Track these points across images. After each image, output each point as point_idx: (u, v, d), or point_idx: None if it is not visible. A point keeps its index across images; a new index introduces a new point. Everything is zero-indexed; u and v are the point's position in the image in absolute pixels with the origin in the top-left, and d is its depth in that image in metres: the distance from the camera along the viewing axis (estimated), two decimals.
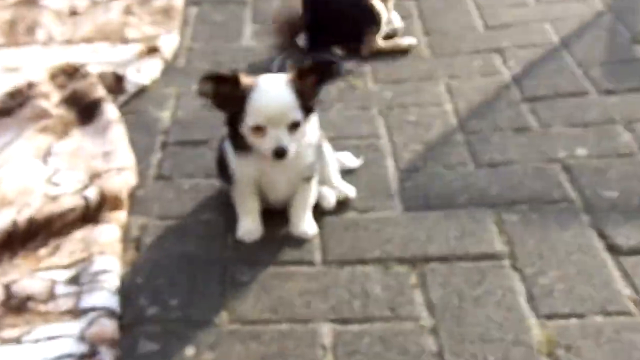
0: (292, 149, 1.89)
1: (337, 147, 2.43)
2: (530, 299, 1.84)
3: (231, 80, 1.87)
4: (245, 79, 1.88)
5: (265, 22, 3.35)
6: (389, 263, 1.99)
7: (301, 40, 3.03)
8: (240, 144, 1.95)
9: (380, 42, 3.06)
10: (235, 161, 2.01)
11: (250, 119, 1.86)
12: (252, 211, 2.08)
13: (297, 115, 1.89)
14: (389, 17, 3.18)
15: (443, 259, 1.99)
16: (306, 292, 1.91)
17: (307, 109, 1.91)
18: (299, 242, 2.08)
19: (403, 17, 3.27)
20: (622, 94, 2.59)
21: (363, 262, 2.00)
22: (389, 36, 3.14)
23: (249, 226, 2.08)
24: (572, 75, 2.76)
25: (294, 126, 1.89)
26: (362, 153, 2.45)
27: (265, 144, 1.88)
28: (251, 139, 1.90)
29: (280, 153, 1.87)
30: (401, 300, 1.87)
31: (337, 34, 3.00)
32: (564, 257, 1.96)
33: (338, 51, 3.01)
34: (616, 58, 2.80)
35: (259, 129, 1.87)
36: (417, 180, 2.30)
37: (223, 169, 2.10)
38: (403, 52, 3.04)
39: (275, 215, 2.17)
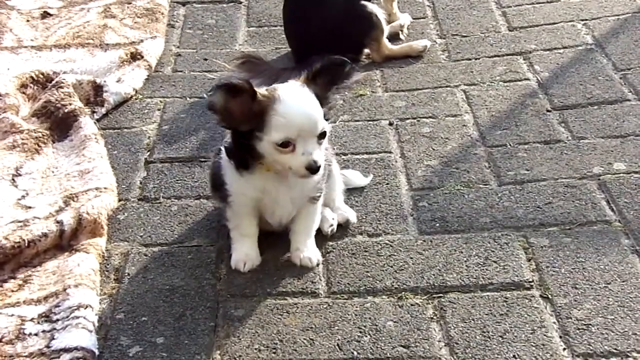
0: (322, 163, 1.89)
1: (343, 164, 2.45)
2: (564, 334, 1.84)
3: (247, 92, 1.85)
4: (262, 90, 1.87)
5: (261, 24, 3.39)
6: (402, 294, 1.99)
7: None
8: (242, 162, 1.95)
9: (390, 45, 3.09)
10: (233, 179, 2.01)
11: (276, 134, 1.83)
12: (249, 235, 2.09)
13: (325, 124, 1.89)
14: (391, 14, 3.21)
15: (464, 288, 1.99)
16: (309, 327, 1.91)
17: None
18: (301, 270, 2.08)
19: (416, 18, 3.31)
20: None
21: (373, 292, 2.00)
22: (395, 34, 3.17)
23: (246, 252, 2.08)
24: (608, 80, 2.77)
25: (321, 137, 1.89)
26: (371, 170, 2.46)
27: (295, 161, 1.86)
28: (274, 157, 1.88)
29: (314, 169, 1.86)
30: (416, 336, 1.86)
31: (330, 47, 3.02)
32: (602, 287, 1.96)
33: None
34: None
35: (286, 144, 1.85)
36: (432, 200, 2.31)
37: (217, 188, 2.11)
38: (417, 56, 3.07)
39: (274, 240, 2.18)
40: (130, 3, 3.52)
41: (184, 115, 2.81)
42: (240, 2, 3.57)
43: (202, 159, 2.56)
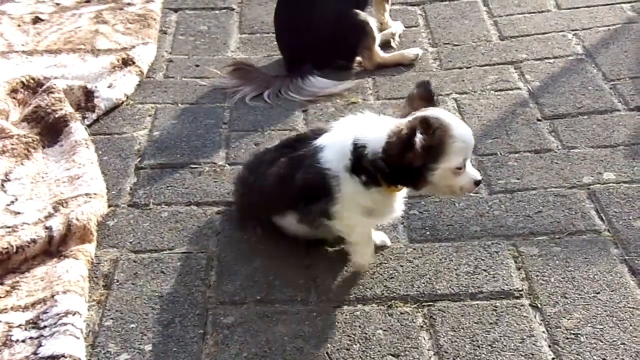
0: None
1: None
2: (554, 344, 1.84)
3: (429, 125, 1.81)
4: (432, 121, 1.83)
5: (254, 31, 3.39)
6: (392, 302, 1.99)
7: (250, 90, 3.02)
8: (375, 181, 1.92)
9: (382, 53, 3.10)
10: (355, 192, 1.94)
11: (456, 159, 1.85)
12: (370, 236, 2.11)
13: None
14: (383, 22, 3.22)
15: (453, 297, 1.99)
16: (298, 335, 1.90)
17: None
18: (291, 278, 2.08)
19: (408, 27, 3.31)
20: None
21: (363, 300, 2.00)
22: (387, 42, 3.18)
23: (370, 252, 2.11)
24: (598, 90, 2.78)
25: None
26: None
27: (465, 179, 1.89)
28: (446, 181, 1.88)
29: (479, 182, 1.93)
30: (406, 345, 1.86)
31: (322, 55, 3.03)
32: (591, 296, 1.96)
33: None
34: None
35: (461, 167, 1.88)
36: (423, 209, 2.31)
37: (313, 198, 2.00)
38: (408, 65, 3.08)
39: (264, 247, 2.18)
40: (122, 9, 3.52)
41: (175, 122, 2.80)
42: (233, 9, 3.57)
43: (193, 165, 2.55)
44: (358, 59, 3.11)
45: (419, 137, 1.79)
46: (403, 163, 1.84)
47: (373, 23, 3.07)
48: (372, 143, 1.89)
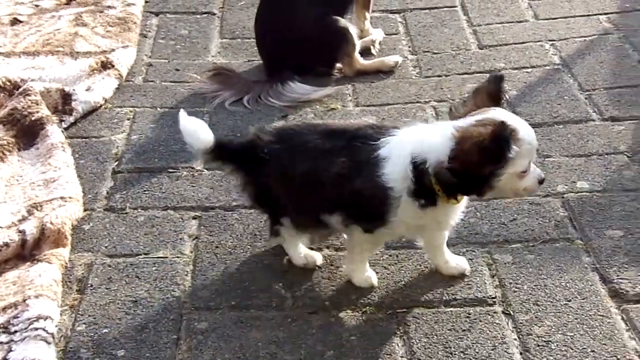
0: None
1: None
2: (525, 351, 1.85)
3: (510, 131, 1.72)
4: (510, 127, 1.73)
5: (235, 36, 3.39)
6: (367, 308, 1.99)
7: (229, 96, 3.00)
8: (432, 200, 1.83)
9: (362, 60, 3.11)
10: (411, 213, 1.85)
11: (523, 162, 1.78)
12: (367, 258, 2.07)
13: None
14: (364, 29, 3.23)
15: (428, 304, 1.99)
16: (272, 341, 1.90)
17: None
18: (267, 284, 2.08)
19: (388, 34, 3.33)
20: (629, 121, 2.65)
21: (338, 307, 2.00)
22: (367, 49, 3.19)
23: (369, 273, 2.06)
24: (574, 100, 2.81)
25: None
26: None
27: (529, 180, 1.82)
28: (511, 185, 1.80)
29: (543, 180, 1.86)
30: (380, 351, 1.87)
31: (303, 61, 3.04)
32: (563, 304, 1.98)
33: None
34: (623, 82, 2.87)
35: (524, 171, 1.80)
36: None
37: (370, 212, 1.90)
38: (388, 72, 3.09)
39: (241, 253, 2.18)
40: (102, 12, 3.50)
41: (153, 126, 2.80)
42: (214, 14, 3.57)
43: (171, 170, 2.55)
44: (338, 65, 3.12)
45: (513, 148, 1.70)
46: (475, 172, 1.74)
47: (353, 30, 3.08)
48: (432, 154, 1.78)
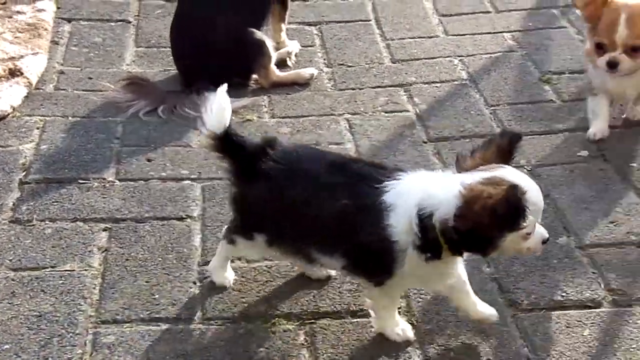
0: None
1: (227, 189, 2.47)
2: (426, 359, 1.92)
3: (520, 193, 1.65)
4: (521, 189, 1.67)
5: (151, 44, 3.36)
6: (275, 320, 2.03)
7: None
8: (438, 254, 1.76)
9: (278, 72, 3.15)
10: (416, 266, 1.79)
11: (527, 226, 1.71)
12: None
13: None
14: (280, 42, 3.28)
15: (335, 315, 2.04)
16: (180, 354, 1.91)
17: None
18: (176, 296, 2.08)
19: (304, 46, 3.38)
20: (528, 136, 2.78)
21: (247, 318, 2.03)
22: (283, 61, 3.23)
23: (403, 325, 1.98)
24: (479, 115, 2.93)
25: None
26: None
27: (533, 241, 1.77)
28: (516, 245, 1.76)
29: (547, 240, 1.81)
30: None
31: (218, 71, 3.05)
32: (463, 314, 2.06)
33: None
34: (524, 98, 3.01)
35: (529, 233, 1.75)
36: None
37: (372, 262, 1.85)
38: (304, 84, 3.14)
39: (150, 266, 2.17)
40: (11, 17, 3.40)
41: (64, 135, 2.75)
42: (129, 22, 3.53)
43: (81, 180, 2.52)
44: (254, 76, 3.15)
45: (528, 216, 1.67)
46: (482, 233, 1.69)
47: (269, 42, 3.12)
48: (438, 209, 1.71)
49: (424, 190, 1.75)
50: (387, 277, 1.83)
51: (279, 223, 1.92)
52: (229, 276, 2.13)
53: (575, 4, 2.57)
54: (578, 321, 2.00)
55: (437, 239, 1.73)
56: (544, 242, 1.80)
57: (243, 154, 1.94)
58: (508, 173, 1.73)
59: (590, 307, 2.05)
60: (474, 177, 1.72)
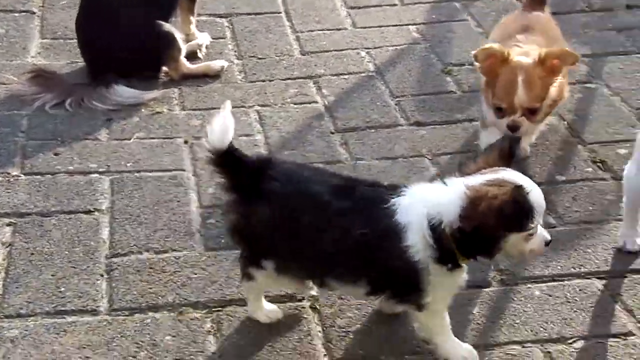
0: None
1: (136, 182, 2.50)
2: (327, 342, 2.00)
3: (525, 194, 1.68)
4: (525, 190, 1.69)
5: (57, 36, 3.31)
6: (183, 309, 2.07)
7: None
8: (456, 262, 1.79)
9: (188, 64, 3.16)
10: (440, 278, 1.79)
11: (532, 225, 1.74)
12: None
13: None
14: (190, 34, 3.29)
15: (241, 302, 2.09)
16: (86, 345, 1.93)
17: None
18: (83, 288, 2.09)
19: (215, 38, 3.40)
20: (430, 126, 2.90)
21: (155, 308, 2.06)
22: (194, 53, 3.25)
23: (468, 347, 1.94)
24: (385, 106, 3.03)
25: None
26: (164, 188, 2.51)
27: (536, 241, 1.79)
28: (519, 247, 1.77)
29: (549, 242, 1.83)
30: (192, 349, 1.95)
31: (127, 64, 3.04)
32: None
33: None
34: (427, 89, 3.12)
35: (532, 234, 1.77)
36: (221, 217, 2.38)
37: (401, 287, 1.85)
38: (214, 76, 3.16)
39: (56, 259, 2.17)
40: None
41: None
42: (34, 13, 3.46)
43: None
44: (165, 68, 3.15)
45: (535, 217, 1.70)
46: (487, 233, 1.71)
47: (178, 34, 3.12)
48: (446, 214, 1.73)
49: (428, 199, 1.78)
50: (420, 297, 1.82)
51: (287, 247, 1.88)
52: (273, 310, 2.04)
53: (476, 56, 2.57)
54: (468, 300, 2.12)
55: (450, 245, 1.75)
56: (547, 244, 1.82)
57: (244, 170, 1.89)
58: (510, 174, 1.76)
59: (481, 287, 2.17)
60: (477, 179, 1.76)
